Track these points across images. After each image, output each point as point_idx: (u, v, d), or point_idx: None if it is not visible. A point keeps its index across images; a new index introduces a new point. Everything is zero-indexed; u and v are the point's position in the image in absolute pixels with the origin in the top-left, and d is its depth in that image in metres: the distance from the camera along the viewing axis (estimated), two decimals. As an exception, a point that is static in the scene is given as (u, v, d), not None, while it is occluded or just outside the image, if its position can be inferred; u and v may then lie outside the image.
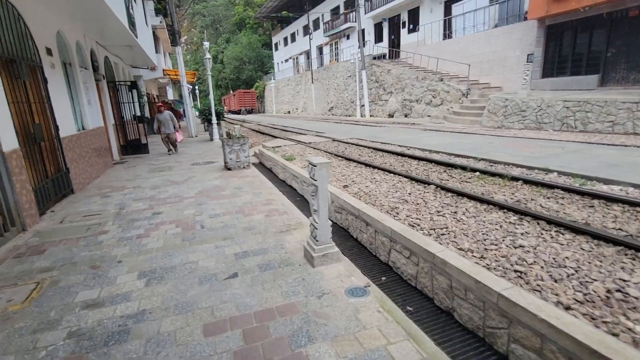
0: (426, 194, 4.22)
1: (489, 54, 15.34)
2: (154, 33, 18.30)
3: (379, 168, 5.86)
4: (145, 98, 18.59)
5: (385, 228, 2.94)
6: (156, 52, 18.45)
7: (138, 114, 13.25)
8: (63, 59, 6.98)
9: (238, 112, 45.52)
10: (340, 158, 7.19)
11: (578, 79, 11.85)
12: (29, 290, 2.91)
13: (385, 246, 2.99)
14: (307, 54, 35.16)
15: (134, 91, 11.77)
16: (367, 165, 6.23)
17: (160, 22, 19.49)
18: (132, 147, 11.21)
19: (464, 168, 5.41)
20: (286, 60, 41.99)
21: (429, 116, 16.74)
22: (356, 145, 8.95)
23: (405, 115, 18.67)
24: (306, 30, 34.16)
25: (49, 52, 5.99)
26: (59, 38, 6.74)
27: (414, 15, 21.12)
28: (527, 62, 13.57)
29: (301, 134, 13.46)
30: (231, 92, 51.75)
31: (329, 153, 7.92)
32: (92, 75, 8.70)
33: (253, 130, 18.82)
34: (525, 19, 13.56)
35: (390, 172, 5.47)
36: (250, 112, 46.02)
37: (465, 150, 6.91)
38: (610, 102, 8.45)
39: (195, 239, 3.90)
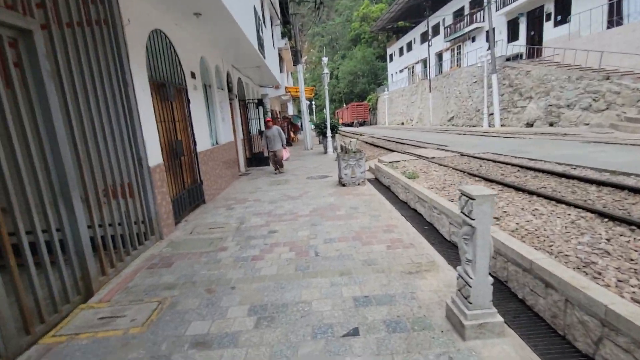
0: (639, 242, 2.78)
1: (689, 39, 11.30)
2: (279, 54, 19.93)
3: (538, 194, 4.43)
4: (270, 114, 20.32)
5: (590, 302, 1.85)
6: (280, 71, 20.01)
7: (262, 129, 14.36)
8: (204, 82, 7.77)
9: (350, 125, 46.34)
10: (476, 178, 5.92)
11: None
12: (151, 311, 2.87)
13: (590, 330, 1.89)
14: (425, 62, 33.35)
15: (260, 108, 12.71)
16: (518, 189, 4.84)
17: (285, 44, 21.16)
18: (256, 160, 12.06)
19: None
20: (401, 71, 40.84)
21: (587, 124, 13.34)
22: (494, 161, 7.42)
23: (551, 124, 15.40)
24: (424, 37, 32.50)
25: (192, 75, 6.66)
26: (201, 63, 7.52)
27: (562, 3, 17.53)
28: None
29: (420, 147, 12.31)
30: (344, 105, 53.25)
31: (460, 171, 6.70)
32: (227, 95, 9.60)
33: (366, 142, 18.43)
34: None
35: (558, 201, 4.02)
36: (362, 124, 46.31)
37: None
38: None
39: (309, 269, 3.45)
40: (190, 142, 6.33)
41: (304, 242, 4.19)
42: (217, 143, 8.35)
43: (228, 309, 2.80)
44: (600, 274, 2.30)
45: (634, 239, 2.82)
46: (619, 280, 2.21)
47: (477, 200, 2.09)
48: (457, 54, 28.47)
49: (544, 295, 2.30)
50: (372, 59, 53.03)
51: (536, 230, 3.26)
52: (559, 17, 17.88)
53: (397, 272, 3.23)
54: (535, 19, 19.62)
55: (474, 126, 21.77)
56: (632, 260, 2.45)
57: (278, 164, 9.74)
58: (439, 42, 30.41)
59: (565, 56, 16.22)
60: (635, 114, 11.34)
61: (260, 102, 11.73)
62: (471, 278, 2.21)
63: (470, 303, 2.21)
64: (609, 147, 7.79)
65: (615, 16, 14.37)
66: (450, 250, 3.81)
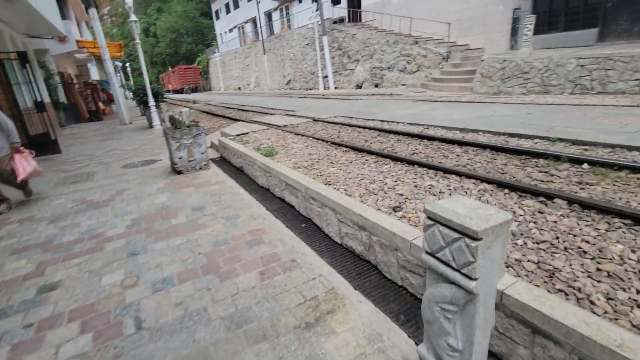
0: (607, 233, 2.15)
1: (468, 11, 13.76)
2: (58, -7, 14.17)
3: (418, 164, 3.88)
4: (58, 78, 14.66)
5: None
6: (64, 17, 14.44)
7: (43, 99, 9.90)
8: None
9: (181, 91, 40.73)
10: (343, 148, 5.12)
11: (573, 34, 10.69)
12: None
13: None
14: (254, 21, 31.51)
15: (29, 67, 8.44)
16: (395, 159, 4.20)
17: (66, -22, 15.30)
18: (38, 145, 8.12)
19: (556, 158, 3.60)
20: (230, 30, 37.62)
21: (404, 85, 15.05)
22: (349, 125, 6.89)
23: (376, 85, 16.82)
24: (251, -7, 30.33)
25: None
26: None
27: (375, -29, 18.84)
28: (514, 17, 12.26)
29: (266, 113, 11.05)
30: (170, 68, 46.14)
31: (322, 140, 5.82)
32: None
33: (203, 111, 15.88)
34: (509, -33, 12.05)
35: (445, 171, 3.54)
36: (194, 90, 41.40)
37: (512, 126, 5.14)
38: (638, 57, 7.23)
39: (123, 376, 1.75)
40: None
41: (113, 302, 2.35)
42: None
43: None
44: (580, 290, 1.66)
45: (557, 215, 2.46)
46: (609, 299, 1.61)
47: (485, 240, 0.93)
48: (287, 14, 27.88)
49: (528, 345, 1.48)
50: (196, 15, 47.01)
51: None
52: (372, -16, 19.22)
53: (287, 332, 1.94)
54: (354, -17, 20.61)
55: (310, 89, 22.08)
56: (584, 253, 1.96)
57: (11, 184, 4.43)
58: (267, 0, 28.94)
59: (382, 21, 17.70)
60: (439, 75, 13.34)
61: (24, 58, 7.66)
62: (463, 383, 1.10)
63: None
64: (437, 105, 8.56)
65: (416, -13, 16.29)
66: (347, 261, 2.77)
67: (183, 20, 45.99)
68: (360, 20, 20.09)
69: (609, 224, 2.25)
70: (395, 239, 2.21)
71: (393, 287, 2.40)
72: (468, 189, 3.06)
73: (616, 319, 1.58)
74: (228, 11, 37.18)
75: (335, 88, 19.69)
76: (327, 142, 5.54)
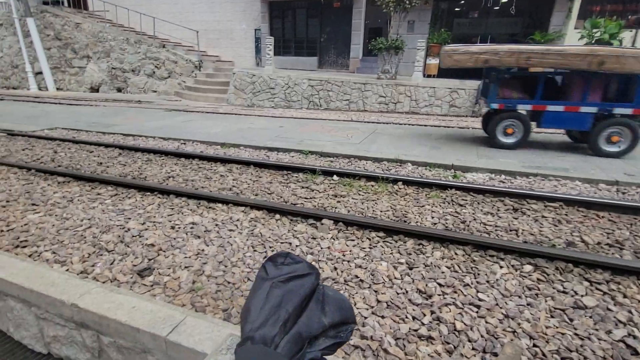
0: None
1: (215, 23, 13.83)
2: None
3: (177, 194, 2.89)
4: None
5: None
6: None
7: None
8: None
9: None
10: (59, 179, 3.36)
11: (302, 59, 12.81)
12: None
13: None
14: None
15: None
16: (142, 188, 2.98)
17: None
18: None
19: (312, 171, 3.68)
20: None
21: (156, 92, 13.40)
22: (73, 141, 4.89)
23: (120, 90, 14.12)
24: None
25: None
26: None
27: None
28: (256, 37, 13.34)
29: None
30: None
31: (20, 167, 3.75)
32: None
33: None
34: (247, -11, 13.00)
35: (215, 200, 2.81)
36: None
37: (270, 139, 5.11)
38: (346, 82, 9.39)
39: None
40: None
41: None
42: None
43: None
44: (372, 337, 1.42)
45: (328, 238, 2.32)
46: (397, 338, 1.44)
47: None
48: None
49: None
50: None
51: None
52: (99, -32, 15.95)
53: None
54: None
55: (14, 88, 15.89)
56: (362, 282, 1.82)
57: None
58: None
59: (117, 15, 14.97)
60: (193, 84, 12.66)
61: None
62: None
63: None
64: (195, 116, 7.80)
65: (156, -15, 14.81)
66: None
67: None
68: (85, 7, 16.28)
69: (370, 239, 2.40)
70: (140, 336, 1.38)
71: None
72: (238, 220, 2.60)
73: None
74: None
75: (58, 89, 15.07)
76: (28, 169, 3.64)
